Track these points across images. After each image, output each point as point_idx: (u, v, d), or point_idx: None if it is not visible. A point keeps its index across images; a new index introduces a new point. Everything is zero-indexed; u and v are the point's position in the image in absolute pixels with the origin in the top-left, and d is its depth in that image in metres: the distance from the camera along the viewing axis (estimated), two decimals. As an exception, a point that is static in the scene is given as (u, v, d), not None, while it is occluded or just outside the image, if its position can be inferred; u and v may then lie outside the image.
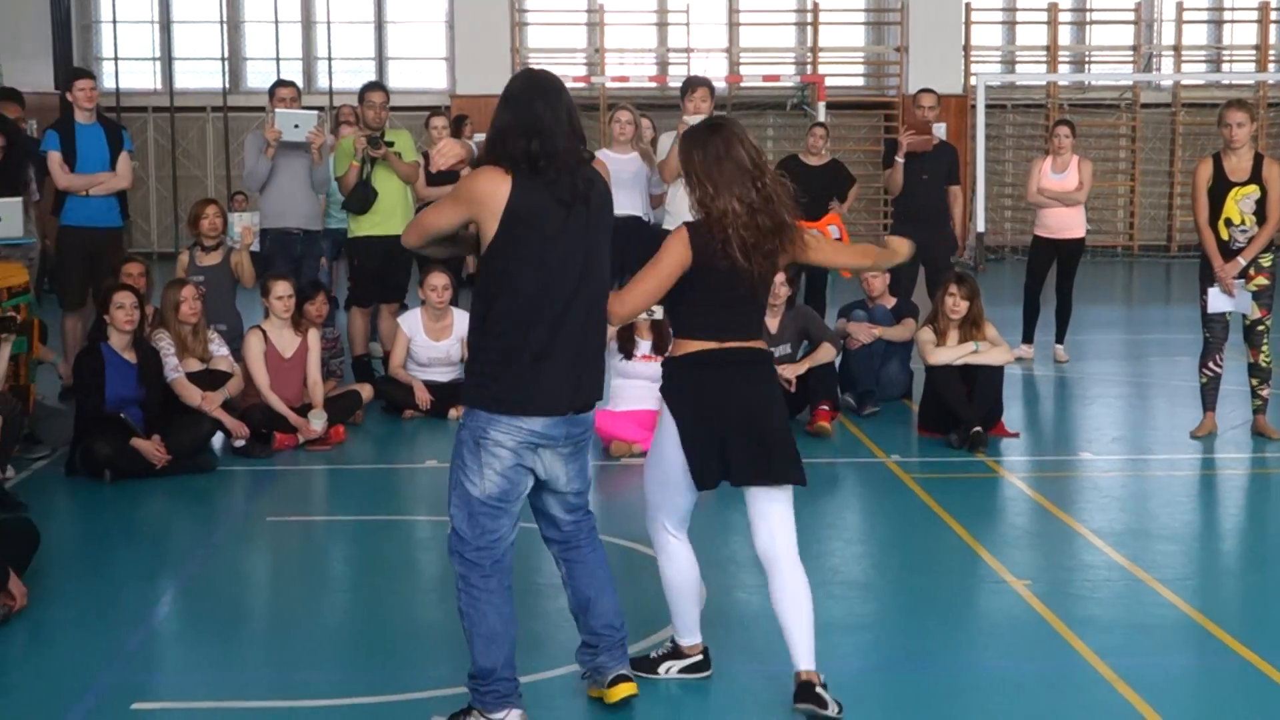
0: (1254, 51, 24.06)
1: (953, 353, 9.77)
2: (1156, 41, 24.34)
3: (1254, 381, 9.89)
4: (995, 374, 9.79)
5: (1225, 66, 24.72)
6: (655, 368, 9.64)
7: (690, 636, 5.70)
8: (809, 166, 12.91)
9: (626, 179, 11.52)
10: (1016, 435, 9.92)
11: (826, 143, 13.29)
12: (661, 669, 5.70)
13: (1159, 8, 24.29)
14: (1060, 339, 13.09)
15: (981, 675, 5.80)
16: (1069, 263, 13.10)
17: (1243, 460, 9.43)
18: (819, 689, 5.27)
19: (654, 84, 22.69)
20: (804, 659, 5.34)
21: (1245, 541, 7.98)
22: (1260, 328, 9.73)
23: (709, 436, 5.37)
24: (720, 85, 21.53)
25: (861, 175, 20.57)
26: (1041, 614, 6.38)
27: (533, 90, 5.08)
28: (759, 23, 23.62)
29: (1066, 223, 13.02)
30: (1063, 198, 12.94)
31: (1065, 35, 24.14)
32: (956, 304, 9.87)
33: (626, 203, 11.51)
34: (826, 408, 10.05)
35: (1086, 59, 24.64)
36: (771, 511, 5.56)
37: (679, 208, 11.21)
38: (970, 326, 9.88)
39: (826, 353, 10.26)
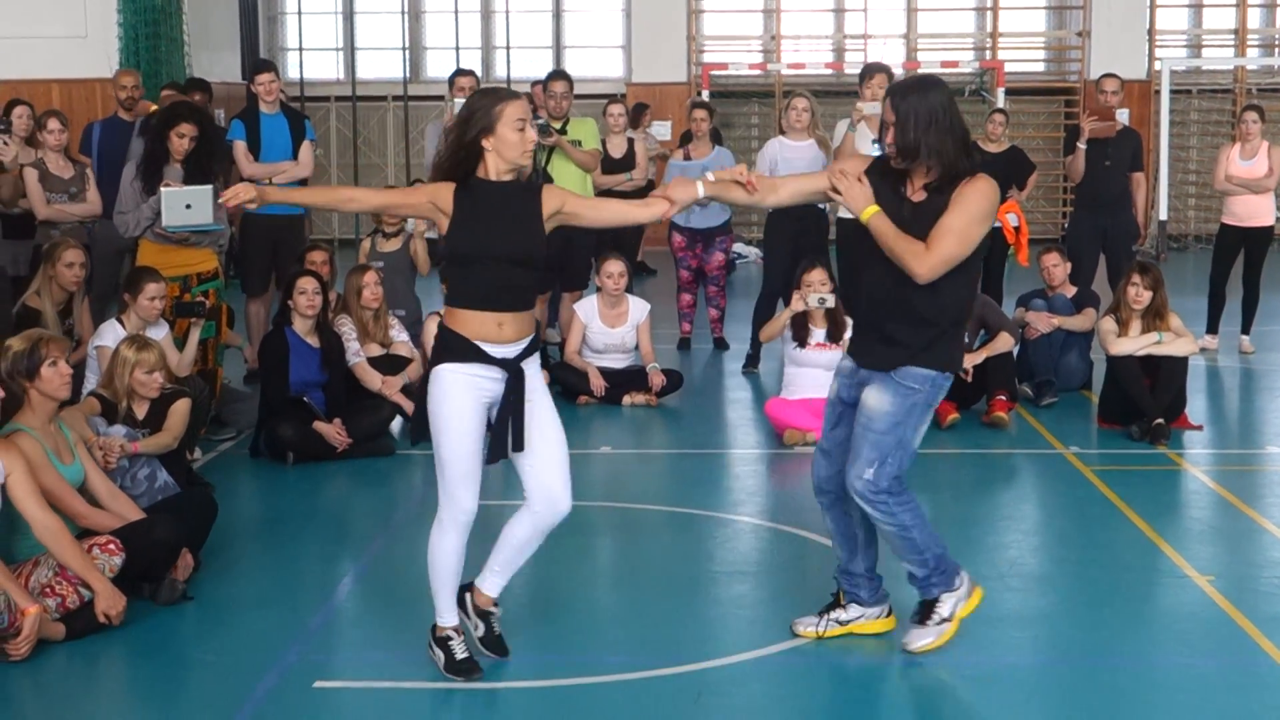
0: None
1: (1135, 343, 9.59)
2: (1351, 23, 23.60)
3: None
4: (1179, 365, 9.59)
5: None
6: (830, 355, 9.63)
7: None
8: (988, 153, 12.75)
9: (802, 167, 11.47)
10: (1200, 428, 9.70)
11: (1006, 129, 13.12)
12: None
13: (1354, -12, 23.54)
14: (1246, 330, 12.77)
15: (1162, 672, 5.70)
16: (1257, 252, 12.77)
17: None
18: None
19: (830, 71, 22.56)
20: None
21: None
22: None
23: None
24: (898, 71, 21.39)
25: (1041, 162, 20.23)
26: (1226, 610, 6.25)
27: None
28: (937, 8, 23.33)
29: (1255, 210, 12.70)
30: (1251, 185, 12.62)
31: (1255, 18, 23.47)
32: (1139, 293, 9.68)
33: (822, 191, 11.46)
34: (1004, 398, 9.92)
35: (1276, 42, 23.95)
36: None
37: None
38: (1153, 317, 9.68)
39: (1004, 342, 10.13)
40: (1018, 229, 13.06)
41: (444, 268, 5.60)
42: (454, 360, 5.40)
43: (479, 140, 5.40)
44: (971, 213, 5.47)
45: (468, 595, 5.73)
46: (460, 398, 5.40)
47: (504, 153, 5.42)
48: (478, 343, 5.39)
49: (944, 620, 5.78)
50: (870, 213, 5.48)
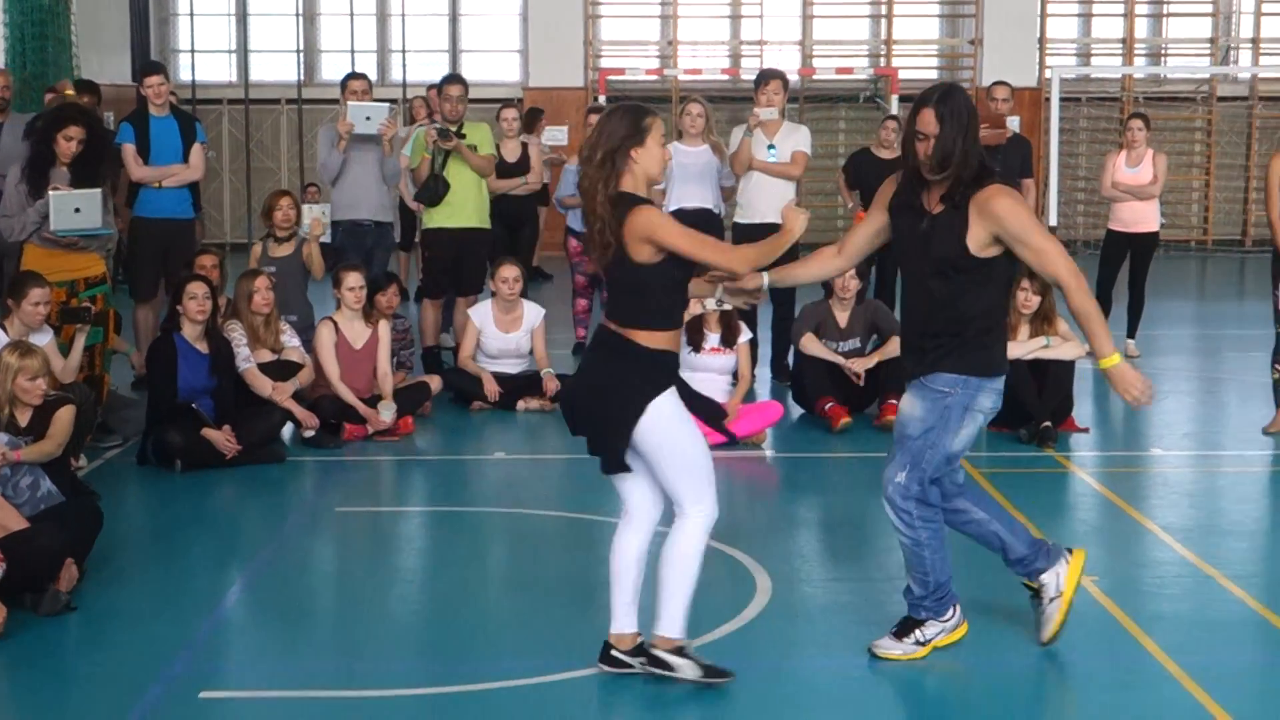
0: (1335, 43, 23.73)
1: (1023, 347, 9.71)
2: (1234, 34, 24.03)
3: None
4: (1066, 369, 9.73)
5: (1305, 59, 24.38)
6: (724, 360, 9.68)
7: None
8: (881, 160, 12.89)
9: (696, 172, 11.54)
10: (1086, 430, 9.85)
11: (899, 136, 13.23)
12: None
13: (1237, 0, 23.98)
14: (1132, 334, 12.97)
15: (1049, 671, 5.77)
16: (1142, 257, 12.99)
17: (1322, 460, 9.34)
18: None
19: (727, 77, 22.66)
20: None
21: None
22: (1337, 325, 9.62)
23: None
24: (793, 78, 21.50)
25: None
26: (1109, 610, 6.34)
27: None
28: (833, 15, 23.52)
29: (1140, 216, 12.91)
30: (1137, 191, 12.83)
31: (1141, 28, 23.87)
32: (1029, 298, 9.80)
33: (697, 195, 11.53)
34: (895, 402, 9.99)
35: (1163, 52, 24.37)
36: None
37: (749, 200, 11.21)
38: (1041, 321, 9.81)
39: (895, 347, 10.20)
40: (825, 249, 13.22)
41: (646, 292, 5.42)
42: (670, 380, 5.47)
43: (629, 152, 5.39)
44: (1033, 222, 5.53)
45: (655, 650, 5.63)
46: (683, 409, 5.50)
47: (649, 167, 5.43)
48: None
49: (919, 643, 5.80)
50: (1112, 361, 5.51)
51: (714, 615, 6.22)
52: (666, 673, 5.50)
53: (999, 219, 5.43)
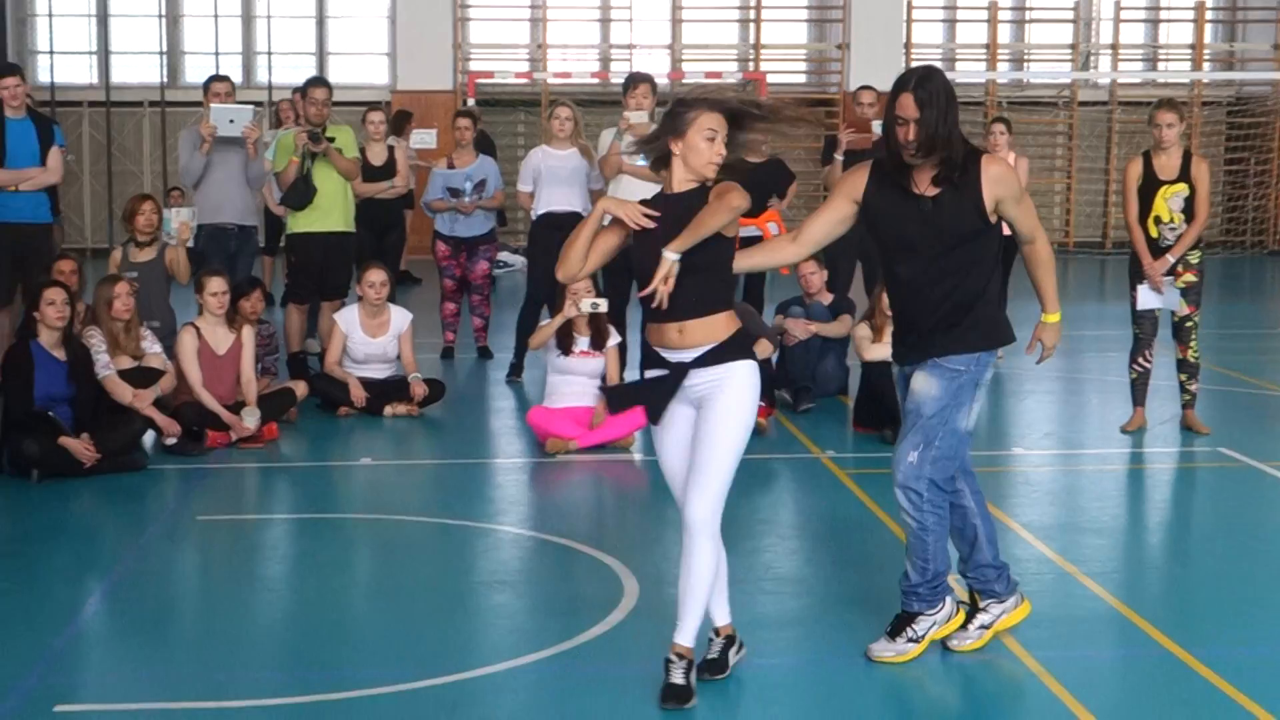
0: (1189, 50, 24.27)
1: (888, 349, 9.76)
2: (1094, 40, 24.51)
3: (1182, 377, 9.98)
4: (930, 370, 9.82)
5: (1161, 65, 24.92)
6: (594, 364, 9.67)
7: (726, 617, 5.75)
8: (748, 163, 12.91)
9: (565, 175, 11.55)
10: (951, 431, 9.96)
11: (767, 139, 13.29)
12: (732, 660, 5.71)
13: (1097, 7, 24.45)
14: (1000, 335, 13.12)
15: (913, 669, 5.81)
16: (1005, 260, 13.12)
17: (1171, 454, 9.53)
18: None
19: (596, 80, 22.69)
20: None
21: (1172, 535, 8.05)
22: (1189, 324, 9.82)
23: None
24: (662, 81, 21.57)
25: (802, 172, 20.57)
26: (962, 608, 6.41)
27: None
28: (701, 19, 23.64)
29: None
30: (999, 195, 12.99)
31: (1005, 33, 24.26)
32: (894, 300, 9.89)
33: (565, 198, 11.54)
34: (762, 404, 10.03)
35: (1025, 57, 24.78)
36: None
37: (618, 203, 11.19)
38: (906, 322, 9.90)
39: (763, 349, 10.28)
40: (778, 236, 13.33)
41: (724, 276, 5.48)
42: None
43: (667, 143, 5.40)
44: (1021, 189, 5.62)
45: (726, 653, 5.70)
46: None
47: (690, 160, 5.41)
48: None
49: (913, 640, 5.80)
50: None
51: (579, 619, 6.21)
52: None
53: (1007, 182, 5.52)
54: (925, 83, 5.47)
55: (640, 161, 11.07)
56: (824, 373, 11.03)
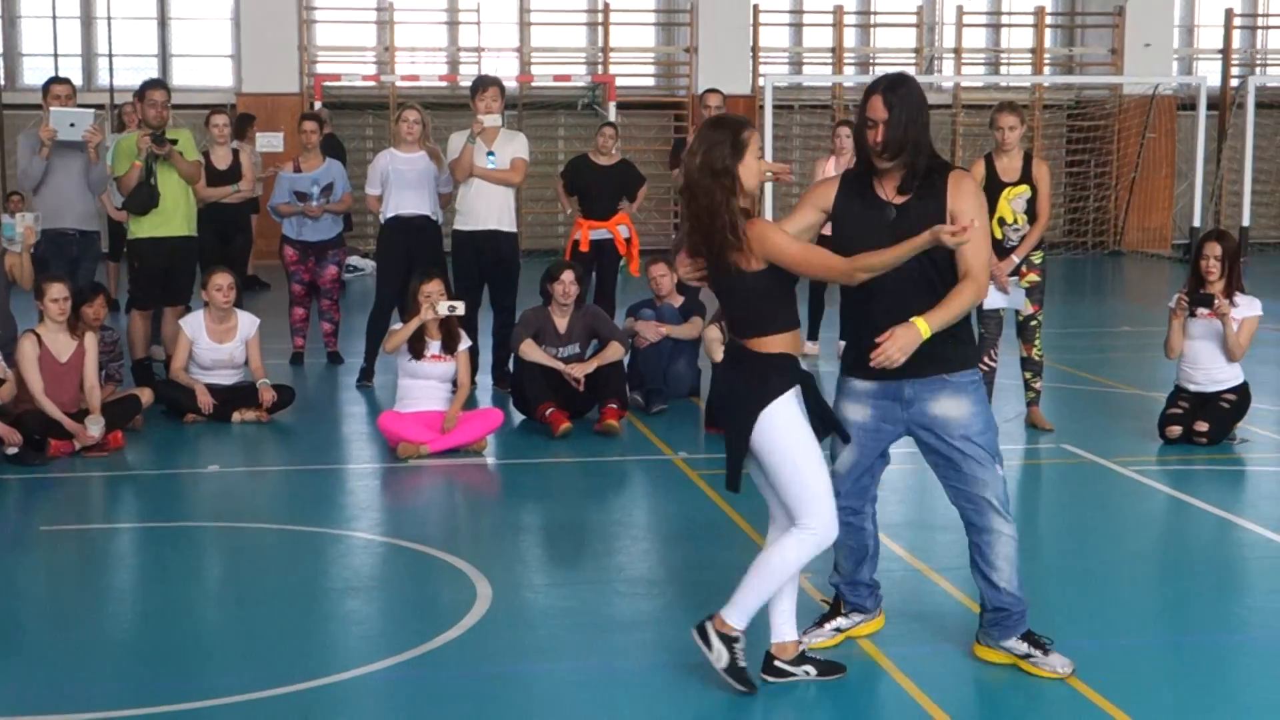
0: (1030, 55, 24.74)
1: (738, 350, 9.86)
2: (938, 44, 24.91)
3: (1027, 375, 10.18)
4: (780, 371, 9.92)
5: (1003, 69, 25.39)
6: (444, 368, 9.63)
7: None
8: (599, 166, 13.00)
9: (413, 178, 11.48)
10: (801, 431, 10.06)
11: (616, 142, 13.35)
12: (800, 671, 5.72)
13: (940, 11, 24.84)
14: (814, 336, 13.21)
15: (757, 666, 5.86)
16: (852, 260, 13.27)
17: (1017, 451, 9.69)
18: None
19: (445, 83, 22.58)
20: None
21: (1019, 531, 8.13)
22: (1033, 323, 10.01)
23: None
24: (511, 85, 21.53)
25: (653, 175, 20.64)
26: (822, 606, 6.47)
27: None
28: (550, 22, 23.64)
29: (850, 221, 13.21)
30: (846, 197, 13.13)
31: (850, 37, 24.55)
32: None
33: (414, 202, 11.48)
34: (615, 406, 10.10)
35: (871, 61, 25.10)
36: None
37: (471, 207, 11.17)
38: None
39: (615, 351, 10.31)
40: (629, 240, 13.40)
41: (756, 298, 5.39)
42: (787, 383, 5.42)
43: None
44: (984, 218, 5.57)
45: (709, 624, 5.58)
46: (801, 415, 5.45)
47: (748, 181, 5.37)
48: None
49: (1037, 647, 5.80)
50: (927, 334, 5.41)
51: (431, 624, 6.19)
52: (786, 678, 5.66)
53: (972, 199, 5.52)
54: (896, 86, 5.49)
55: (490, 164, 11.06)
56: (675, 374, 11.09)
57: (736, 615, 5.54)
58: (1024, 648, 5.75)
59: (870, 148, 5.51)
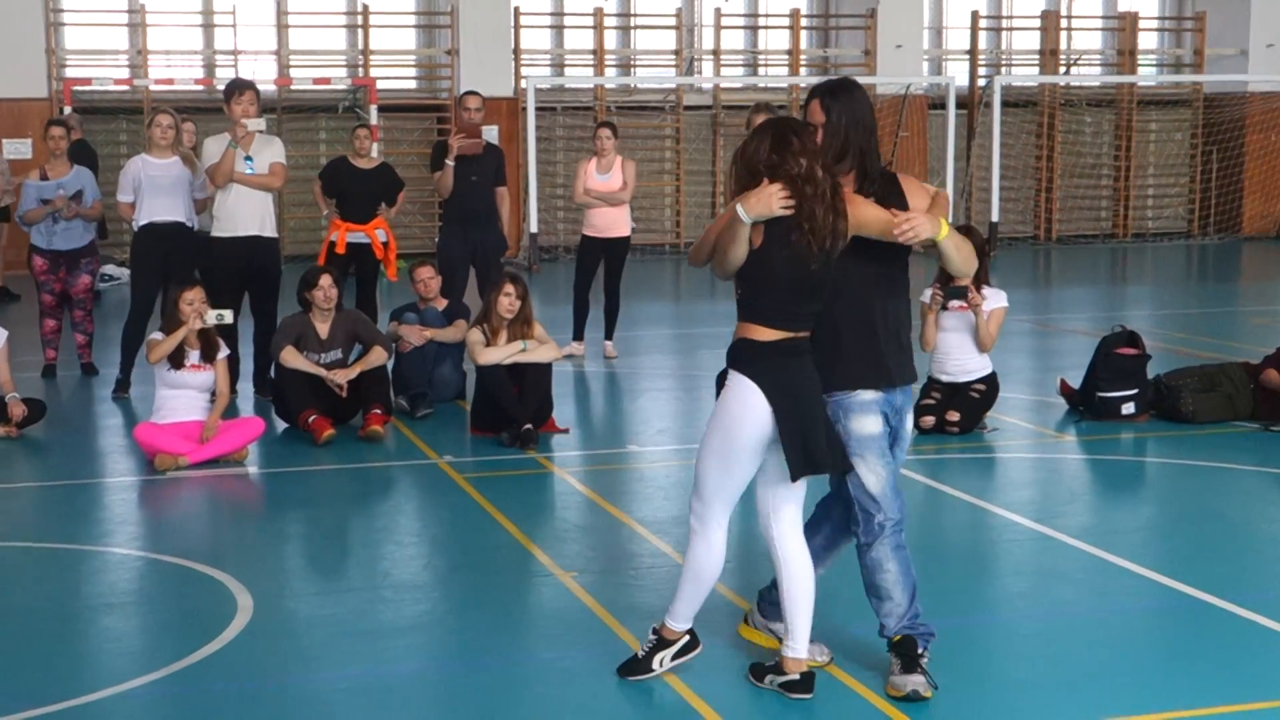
0: (787, 56, 25.18)
1: (501, 352, 9.88)
2: (697, 46, 25.19)
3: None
4: (544, 372, 9.96)
5: (761, 70, 25.80)
6: (203, 377, 9.45)
7: (686, 623, 5.67)
8: (357, 169, 12.88)
9: (167, 184, 11.25)
10: (566, 431, 10.12)
11: (373, 145, 13.24)
12: (656, 663, 5.64)
13: (699, 13, 25.13)
14: (609, 335, 13.40)
15: (530, 668, 5.89)
16: (616, 261, 13.42)
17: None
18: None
19: (200, 87, 22.13)
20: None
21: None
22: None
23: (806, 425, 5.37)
24: (269, 88, 21.23)
25: (416, 178, 20.59)
26: (588, 604, 6.53)
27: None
28: (308, 24, 23.31)
29: (612, 222, 13.34)
30: (608, 198, 13.25)
31: (611, 39, 24.71)
32: (512, 303, 9.97)
33: (168, 208, 11.24)
34: (379, 411, 10.01)
35: (632, 63, 25.30)
36: (795, 502, 5.55)
37: (230, 213, 10.97)
38: (521, 325, 10.01)
39: (378, 356, 10.22)
40: (386, 245, 13.30)
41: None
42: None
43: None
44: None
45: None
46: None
47: None
48: None
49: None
50: (945, 232, 5.36)
51: (191, 638, 6.08)
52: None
53: (922, 190, 5.56)
54: (837, 91, 5.48)
55: (248, 169, 10.86)
56: (440, 378, 11.04)
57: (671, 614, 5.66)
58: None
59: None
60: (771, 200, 5.21)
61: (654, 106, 24.75)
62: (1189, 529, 7.96)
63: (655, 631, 5.72)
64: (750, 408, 5.31)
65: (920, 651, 5.54)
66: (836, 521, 5.81)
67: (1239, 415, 10.25)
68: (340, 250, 12.58)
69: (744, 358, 5.37)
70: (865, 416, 5.50)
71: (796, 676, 5.49)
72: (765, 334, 5.34)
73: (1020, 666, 5.84)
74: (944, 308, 9.99)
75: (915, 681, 5.44)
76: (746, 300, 5.40)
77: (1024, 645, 5.98)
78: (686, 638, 5.68)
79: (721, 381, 5.53)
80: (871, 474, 5.49)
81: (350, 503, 8.66)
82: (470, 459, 9.46)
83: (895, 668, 5.52)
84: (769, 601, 5.92)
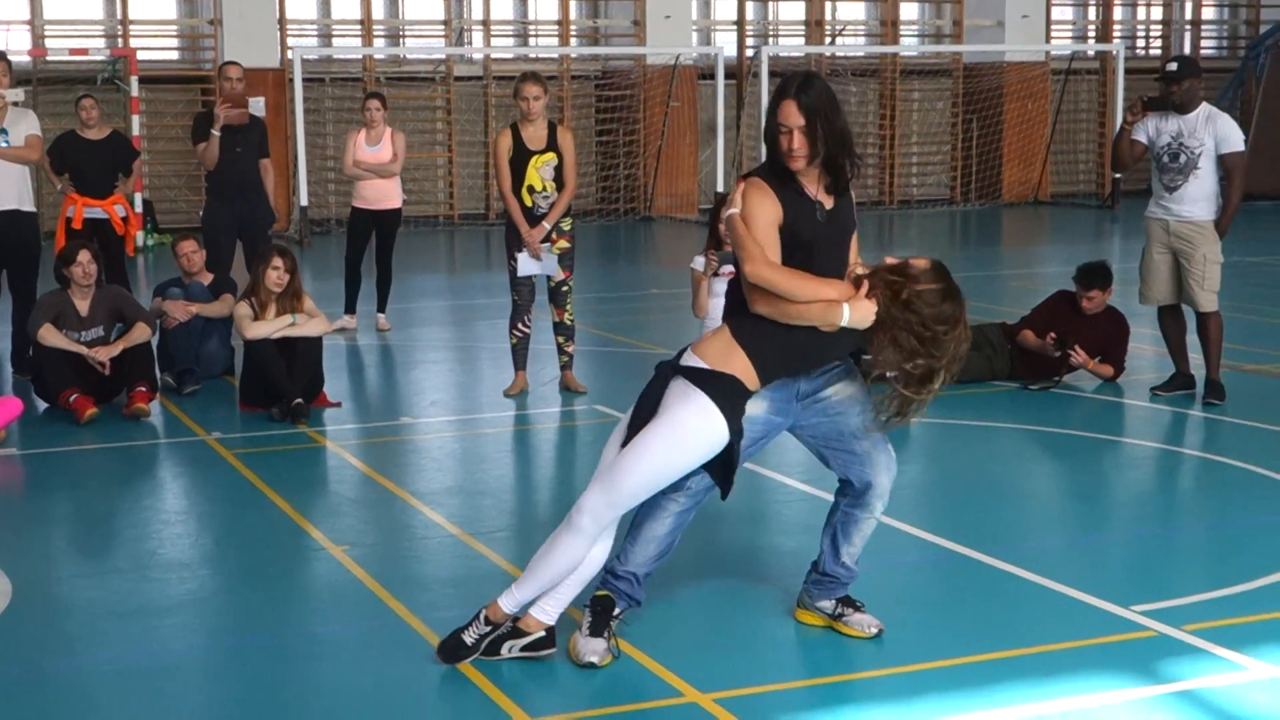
0: (557, 26, 25.20)
1: (270, 326, 9.73)
2: (467, 16, 25.06)
3: (560, 339, 10.40)
4: (314, 345, 9.84)
5: (531, 40, 25.77)
6: None
7: (552, 620, 5.49)
8: (87, 140, 12.36)
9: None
10: (339, 405, 10.02)
11: (102, 113, 12.79)
12: (505, 649, 5.47)
13: (468, -17, 25.02)
14: (382, 308, 13.30)
15: (303, 643, 5.83)
16: (387, 233, 13.31)
17: (553, 414, 9.92)
18: None
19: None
20: None
21: (553, 493, 8.36)
22: (564, 288, 10.23)
23: None
24: (23, 59, 20.52)
25: (181, 150, 20.16)
26: (359, 577, 6.48)
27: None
28: (64, -7, 22.64)
29: (383, 194, 13.23)
30: (378, 169, 13.13)
31: (379, 9, 24.45)
32: (280, 277, 9.82)
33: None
34: (144, 389, 9.78)
35: (401, 33, 25.07)
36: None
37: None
38: (290, 299, 9.87)
39: (141, 333, 9.98)
40: (126, 219, 12.90)
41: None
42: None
43: None
44: None
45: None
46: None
47: None
48: None
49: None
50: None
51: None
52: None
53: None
54: (807, 89, 5.27)
55: (3, 143, 10.52)
56: (208, 354, 10.83)
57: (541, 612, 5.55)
58: (835, 608, 5.85)
59: (786, 154, 5.30)
60: (871, 317, 5.18)
61: (424, 77, 24.58)
62: (950, 486, 8.20)
63: (493, 619, 5.48)
64: (713, 440, 5.23)
65: (617, 613, 5.62)
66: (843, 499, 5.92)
67: (997, 375, 10.58)
68: (77, 225, 12.09)
69: (724, 392, 5.23)
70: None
71: (542, 634, 5.50)
72: (754, 381, 5.30)
73: (785, 624, 5.95)
74: (715, 274, 10.09)
75: (596, 646, 5.49)
76: (755, 333, 5.29)
77: (789, 603, 6.09)
78: (544, 633, 5.52)
79: (662, 372, 5.40)
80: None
81: (115, 483, 8.46)
82: (240, 435, 9.31)
83: (584, 626, 5.58)
84: (813, 581, 5.92)
